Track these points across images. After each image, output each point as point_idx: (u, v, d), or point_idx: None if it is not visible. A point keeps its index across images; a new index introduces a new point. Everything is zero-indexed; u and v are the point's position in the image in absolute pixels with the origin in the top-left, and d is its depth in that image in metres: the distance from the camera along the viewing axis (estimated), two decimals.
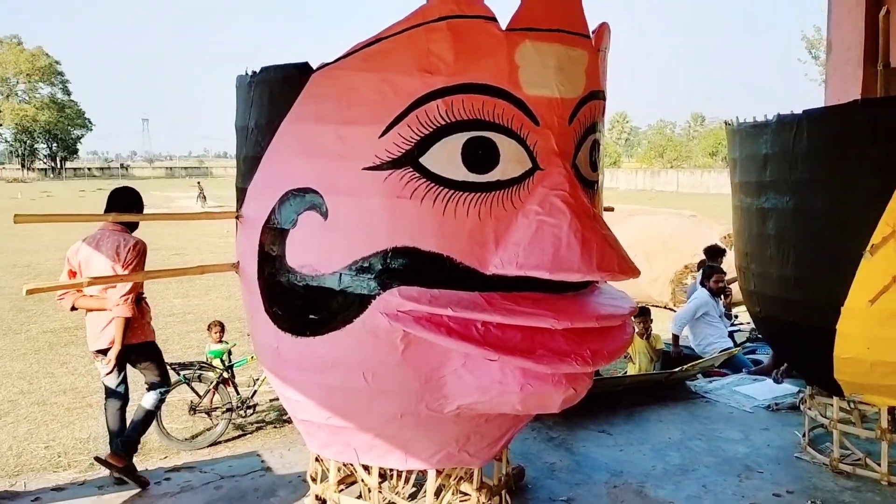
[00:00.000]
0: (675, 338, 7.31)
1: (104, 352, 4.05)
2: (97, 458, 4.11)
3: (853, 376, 3.91)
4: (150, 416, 4.25)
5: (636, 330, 6.91)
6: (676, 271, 11.38)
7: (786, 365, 5.77)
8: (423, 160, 2.50)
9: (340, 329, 2.64)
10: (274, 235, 2.77)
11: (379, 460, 3.07)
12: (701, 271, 8.01)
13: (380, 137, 2.53)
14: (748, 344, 7.73)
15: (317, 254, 2.66)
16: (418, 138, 2.50)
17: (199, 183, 35.77)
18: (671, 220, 13.31)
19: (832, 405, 4.34)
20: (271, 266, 2.78)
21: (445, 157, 2.50)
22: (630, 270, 2.60)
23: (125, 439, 4.10)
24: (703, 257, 8.85)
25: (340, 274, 2.61)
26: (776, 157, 3.89)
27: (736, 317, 8.89)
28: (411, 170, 2.51)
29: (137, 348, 4.11)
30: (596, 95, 2.85)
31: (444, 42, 2.50)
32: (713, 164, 60.98)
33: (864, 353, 3.70)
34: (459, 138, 2.49)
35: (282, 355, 2.88)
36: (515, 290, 2.60)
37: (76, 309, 4.05)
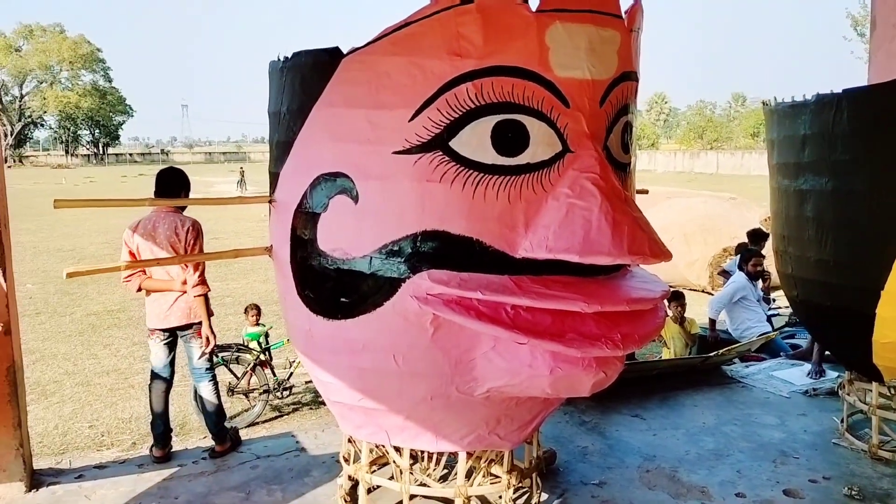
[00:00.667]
0: (712, 322, 7.21)
1: (167, 331, 4.19)
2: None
3: (893, 361, 3.82)
4: (220, 402, 4.38)
5: (670, 314, 6.86)
6: (714, 254, 11.21)
7: (821, 364, 5.65)
8: (453, 144, 2.50)
9: (371, 312, 2.67)
10: (306, 219, 2.80)
11: (410, 442, 3.10)
12: (739, 255, 7.88)
13: (409, 121, 2.53)
14: (787, 328, 7.60)
15: (347, 237, 2.68)
16: (448, 122, 2.49)
17: (241, 168, 36.07)
18: (710, 203, 13.09)
19: (871, 391, 4.26)
20: (303, 250, 2.82)
21: (475, 141, 2.50)
22: (662, 254, 2.58)
23: (217, 432, 4.33)
24: (742, 240, 8.71)
25: (371, 257, 2.63)
26: (815, 138, 3.80)
27: (774, 301, 8.75)
28: (441, 153, 2.51)
29: (197, 326, 4.22)
30: (628, 77, 2.81)
31: (474, 25, 2.48)
32: (754, 146, 59.64)
33: None
34: (489, 121, 2.49)
35: (314, 338, 2.92)
36: (545, 274, 2.59)
37: (141, 290, 4.16)
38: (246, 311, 6.28)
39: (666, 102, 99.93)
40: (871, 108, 3.57)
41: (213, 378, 4.32)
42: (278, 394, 5.84)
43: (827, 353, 5.60)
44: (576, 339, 2.52)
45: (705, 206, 12.74)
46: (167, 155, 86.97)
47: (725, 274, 8.75)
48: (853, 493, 3.76)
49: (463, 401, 2.83)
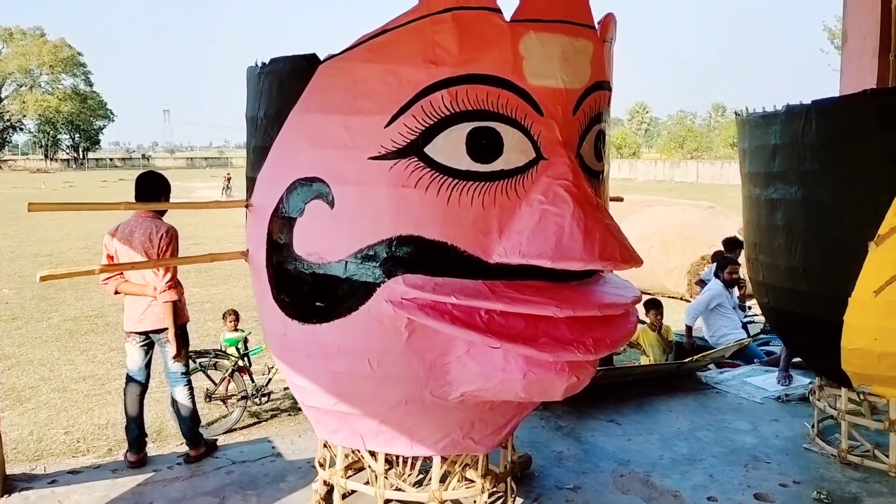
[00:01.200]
0: (689, 329, 7.30)
1: (142, 334, 4.20)
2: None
3: (861, 367, 3.90)
4: (194, 407, 4.37)
5: (648, 322, 6.94)
6: (693, 262, 11.33)
7: (788, 370, 5.74)
8: (428, 150, 2.54)
9: (346, 316, 2.69)
10: (282, 224, 2.82)
11: (384, 446, 3.12)
12: (715, 262, 7.98)
13: (385, 127, 2.57)
14: (762, 335, 7.70)
15: (323, 242, 2.71)
16: (423, 128, 2.53)
17: (227, 175, 35.84)
18: (688, 211, 13.23)
19: (841, 396, 4.33)
20: (279, 254, 2.84)
21: (450, 147, 2.54)
22: (632, 259, 2.62)
23: (191, 437, 4.32)
24: (719, 248, 8.81)
25: (346, 262, 2.65)
26: (785, 148, 3.88)
27: (750, 308, 8.85)
28: (416, 159, 2.55)
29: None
30: (601, 86, 2.86)
31: (449, 33, 2.53)
32: (734, 156, 60.15)
33: (872, 344, 3.69)
34: (464, 128, 2.53)
35: (289, 342, 2.94)
36: (519, 279, 2.63)
37: (118, 293, 4.16)
38: (224, 316, 6.25)
39: (647, 112, 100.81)
40: (838, 119, 3.65)
41: (188, 383, 4.31)
42: (256, 400, 5.80)
43: (797, 359, 5.69)
44: (548, 344, 2.56)
45: (684, 214, 12.88)
46: (148, 160, 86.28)
47: (702, 283, 8.85)
48: (822, 496, 3.82)
49: (437, 405, 2.86)
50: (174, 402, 4.37)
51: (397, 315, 2.61)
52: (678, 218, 12.63)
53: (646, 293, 11.00)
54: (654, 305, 7.15)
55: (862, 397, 4.30)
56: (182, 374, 4.27)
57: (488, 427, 3.11)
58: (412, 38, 2.56)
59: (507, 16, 2.57)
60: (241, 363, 5.81)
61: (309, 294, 2.76)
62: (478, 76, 2.54)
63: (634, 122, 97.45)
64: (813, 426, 4.65)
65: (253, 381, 5.89)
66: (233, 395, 5.69)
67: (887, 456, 4.14)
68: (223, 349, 5.95)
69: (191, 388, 4.33)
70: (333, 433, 3.21)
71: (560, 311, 2.55)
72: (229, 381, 5.73)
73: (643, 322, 7.38)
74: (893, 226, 3.37)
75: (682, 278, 11.33)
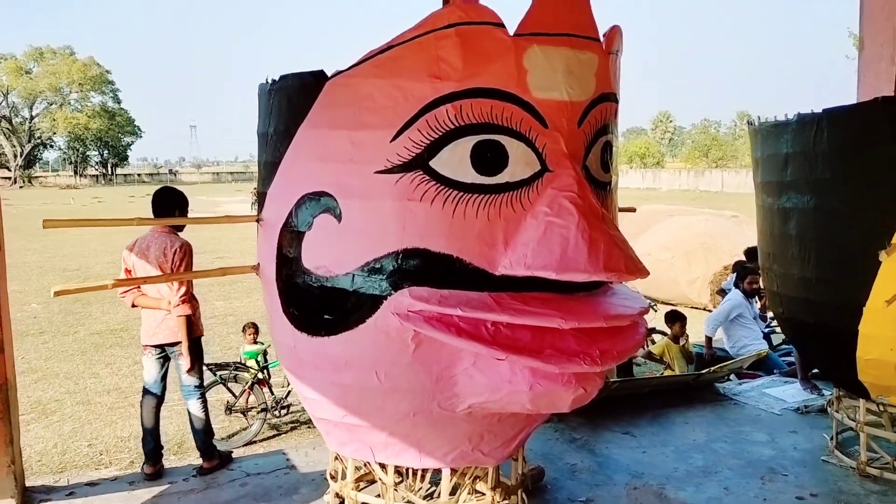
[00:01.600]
0: (709, 339, 7.23)
1: (157, 347, 4.28)
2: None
3: (877, 378, 3.84)
4: (207, 419, 4.43)
5: (671, 334, 6.92)
6: (715, 272, 11.24)
7: (808, 380, 5.67)
8: (433, 163, 2.57)
9: (353, 329, 2.72)
10: (291, 238, 2.86)
11: (394, 458, 3.14)
12: (735, 272, 7.90)
13: (391, 142, 2.60)
14: (783, 346, 7.60)
15: (331, 255, 2.74)
16: (428, 142, 2.56)
17: (254, 190, 36.17)
18: (711, 221, 13.13)
19: (859, 407, 4.27)
20: (288, 268, 2.88)
21: (455, 160, 2.56)
22: (637, 270, 2.62)
23: (204, 449, 4.37)
24: (741, 258, 8.73)
25: (353, 275, 2.68)
26: (797, 157, 3.86)
27: (772, 318, 8.74)
28: (422, 173, 2.58)
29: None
30: (607, 98, 2.87)
31: (453, 48, 2.56)
32: None
33: (888, 354, 3.64)
34: (468, 141, 2.55)
35: (299, 354, 2.97)
36: (526, 291, 2.64)
37: (136, 306, 4.25)
38: (244, 329, 6.32)
39: (671, 121, 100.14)
40: (850, 127, 3.62)
41: (202, 396, 4.37)
42: (276, 412, 5.85)
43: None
44: (554, 356, 2.56)
45: (707, 224, 12.78)
46: (175, 175, 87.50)
47: (723, 293, 8.77)
48: None
49: (445, 417, 2.87)
50: (188, 414, 4.43)
51: (404, 327, 2.63)
52: (700, 227, 12.54)
53: (668, 304, 11.02)
54: (677, 318, 7.13)
55: (882, 408, 4.23)
56: (195, 387, 4.33)
57: (497, 439, 3.11)
58: (417, 54, 2.59)
59: (512, 30, 2.60)
60: (260, 375, 5.87)
61: (317, 307, 2.80)
62: (482, 90, 2.56)
63: (658, 132, 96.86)
64: (832, 438, 4.59)
65: (272, 394, 5.94)
66: (253, 408, 5.75)
67: None
68: (243, 362, 6.01)
69: (204, 401, 4.38)
70: (343, 445, 3.23)
71: (565, 323, 2.55)
72: (249, 394, 5.79)
73: (665, 334, 7.35)
74: None
75: (705, 288, 11.24)
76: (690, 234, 12.21)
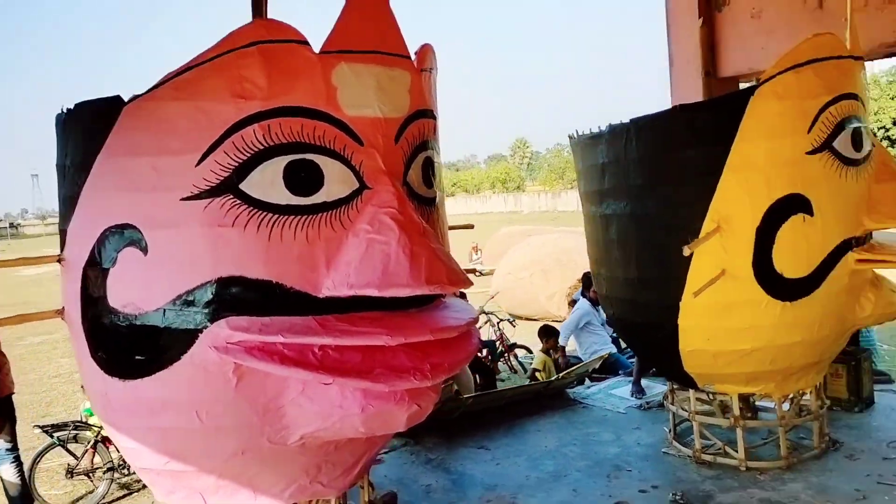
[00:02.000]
0: (562, 348, 7.51)
1: None
2: None
3: (700, 368, 4.09)
4: (24, 484, 4.01)
5: (542, 348, 7.18)
6: (570, 285, 11.86)
7: (639, 382, 5.93)
8: (244, 186, 2.47)
9: (168, 368, 2.54)
10: (95, 276, 2.65)
11: (227, 501, 2.95)
12: (583, 283, 8.26)
13: (196, 166, 2.47)
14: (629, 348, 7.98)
15: (138, 291, 2.56)
16: (236, 164, 2.46)
17: None
18: (564, 238, 13.98)
19: (690, 398, 4.51)
20: (94, 308, 2.66)
21: (267, 182, 2.47)
22: (460, 282, 2.62)
23: None
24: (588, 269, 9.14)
25: (164, 310, 2.51)
26: (612, 166, 4.07)
27: None
28: (232, 197, 2.47)
29: None
30: (424, 114, 2.89)
31: (256, 67, 2.49)
32: None
33: (705, 344, 3.88)
34: (280, 162, 2.47)
35: (111, 402, 2.75)
36: (355, 311, 2.57)
37: None
38: (83, 386, 5.80)
39: (528, 147, 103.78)
40: (655, 134, 3.86)
41: (16, 459, 4.01)
42: (125, 470, 5.39)
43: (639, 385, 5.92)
44: (383, 374, 2.50)
45: (561, 241, 13.61)
46: (17, 228, 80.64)
47: (574, 303, 9.14)
48: (678, 498, 3.94)
49: (277, 451, 2.73)
50: (1, 482, 4.01)
51: (223, 361, 2.49)
52: (555, 245, 13.33)
53: (531, 319, 11.44)
54: (550, 333, 7.40)
55: (711, 397, 4.50)
56: (7, 450, 3.94)
57: (336, 468, 3.01)
58: (219, 74, 2.50)
59: (318, 48, 2.56)
60: (104, 433, 5.40)
61: (127, 348, 2.59)
62: (290, 108, 2.50)
63: (517, 157, 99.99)
64: (670, 430, 4.82)
65: (118, 451, 5.48)
66: (98, 468, 5.29)
67: (737, 451, 4.33)
68: (84, 419, 5.52)
69: (19, 465, 4.01)
70: (170, 494, 3.00)
71: (392, 339, 2.50)
72: (93, 454, 5.31)
73: (526, 348, 7.62)
74: (710, 231, 3.58)
75: (563, 301, 11.83)
76: (546, 252, 12.95)
